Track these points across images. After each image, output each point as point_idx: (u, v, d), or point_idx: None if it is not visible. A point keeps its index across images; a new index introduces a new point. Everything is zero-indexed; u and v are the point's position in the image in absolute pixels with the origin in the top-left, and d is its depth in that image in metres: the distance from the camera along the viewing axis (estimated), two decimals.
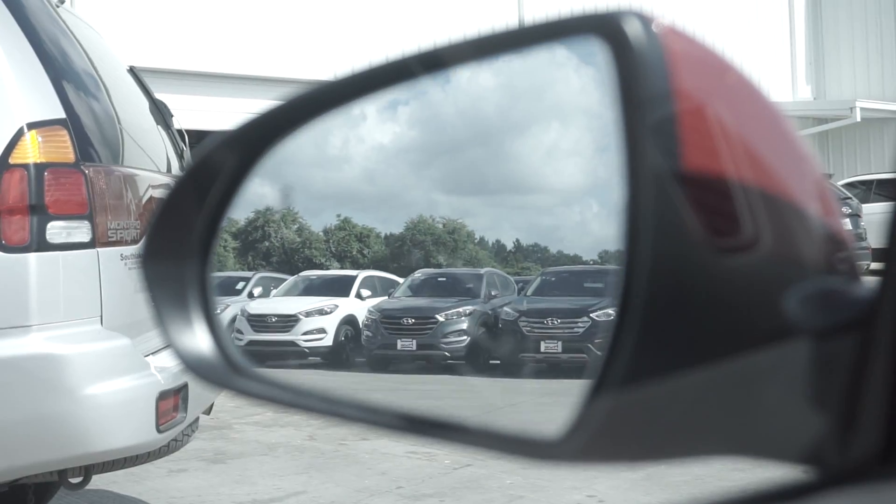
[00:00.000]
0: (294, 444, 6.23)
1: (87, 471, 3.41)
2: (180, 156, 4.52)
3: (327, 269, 0.85)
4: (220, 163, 0.83)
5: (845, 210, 14.44)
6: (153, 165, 3.99)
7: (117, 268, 3.39)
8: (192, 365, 0.83)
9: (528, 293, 0.80)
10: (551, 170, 0.65)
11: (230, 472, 5.61)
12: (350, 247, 0.80)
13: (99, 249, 3.31)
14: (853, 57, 23.70)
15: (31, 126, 3.19)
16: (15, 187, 3.15)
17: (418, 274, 0.78)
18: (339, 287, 0.87)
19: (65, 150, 3.22)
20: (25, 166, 3.16)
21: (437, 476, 5.41)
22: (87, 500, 4.92)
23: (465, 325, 0.77)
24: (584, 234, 0.66)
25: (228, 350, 0.85)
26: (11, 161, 3.15)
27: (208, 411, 4.27)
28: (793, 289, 0.62)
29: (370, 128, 0.74)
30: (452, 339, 0.78)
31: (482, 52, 0.69)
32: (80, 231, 3.24)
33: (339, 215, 0.80)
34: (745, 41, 19.95)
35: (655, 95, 0.59)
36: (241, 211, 0.85)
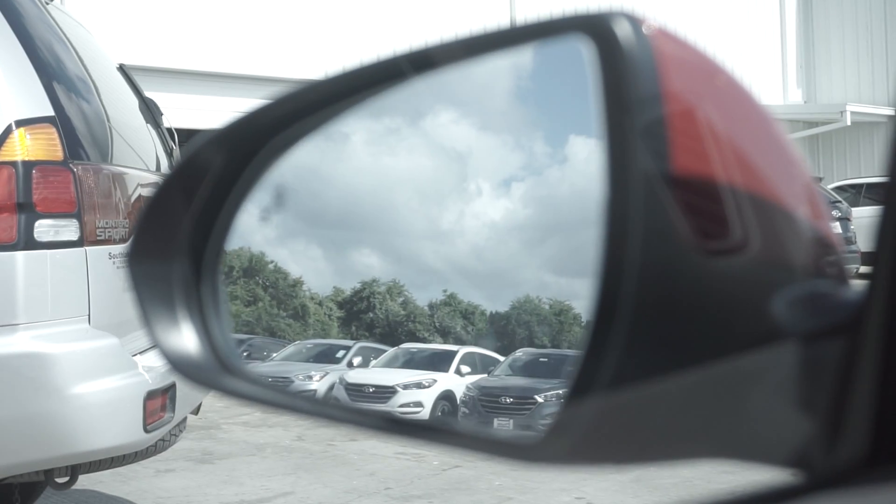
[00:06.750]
0: (282, 445, 6.22)
1: (74, 470, 3.39)
2: (170, 154, 4.50)
3: (429, 343, 0.86)
4: (207, 162, 0.82)
5: (835, 214, 14.50)
6: (142, 164, 3.98)
7: (105, 267, 3.37)
8: (178, 365, 0.83)
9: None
10: None
11: (218, 473, 5.59)
12: (454, 322, 0.80)
13: (87, 248, 3.29)
14: (844, 61, 23.79)
15: (20, 123, 3.17)
16: (2, 185, 3.13)
17: (520, 353, 0.77)
18: (440, 362, 0.86)
19: (53, 147, 3.21)
20: (13, 164, 3.14)
21: (425, 477, 5.40)
22: (73, 500, 4.90)
23: None
24: None
25: (216, 350, 0.85)
26: None
27: (196, 411, 4.26)
28: (781, 292, 0.62)
29: (484, 203, 0.74)
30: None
31: (472, 52, 0.69)
32: (69, 229, 3.23)
33: (445, 290, 0.80)
34: (737, 44, 20.01)
35: (645, 97, 0.59)
36: (348, 280, 0.86)
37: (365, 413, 0.87)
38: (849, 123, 21.47)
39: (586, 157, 0.68)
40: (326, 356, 0.93)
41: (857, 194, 17.31)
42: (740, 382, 0.62)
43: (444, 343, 0.83)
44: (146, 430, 3.33)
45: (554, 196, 0.72)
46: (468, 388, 0.81)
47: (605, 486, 5.06)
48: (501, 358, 0.78)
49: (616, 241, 0.59)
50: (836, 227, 0.72)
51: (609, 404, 0.59)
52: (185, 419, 4.00)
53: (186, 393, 3.68)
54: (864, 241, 14.03)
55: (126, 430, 3.28)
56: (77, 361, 3.18)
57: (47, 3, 3.71)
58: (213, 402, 6.28)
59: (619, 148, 0.59)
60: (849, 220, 14.93)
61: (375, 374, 0.91)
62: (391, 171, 0.85)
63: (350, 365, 0.92)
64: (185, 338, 0.83)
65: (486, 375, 0.80)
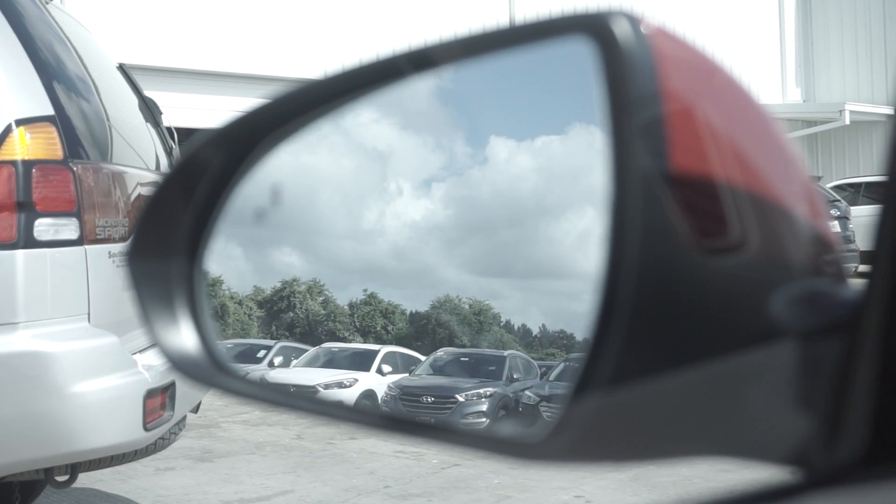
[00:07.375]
0: (282, 443, 6.22)
1: (74, 469, 3.40)
2: (169, 153, 4.51)
3: (350, 342, 0.86)
4: (206, 161, 0.82)
5: (834, 213, 14.50)
6: (142, 163, 3.98)
7: (105, 265, 3.37)
8: (178, 363, 0.83)
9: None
10: (583, 255, 0.64)
11: (217, 471, 5.60)
12: (374, 322, 0.81)
13: (87, 247, 3.30)
14: (842, 60, 23.80)
15: (20, 123, 3.18)
16: (2, 184, 3.13)
17: (441, 353, 0.78)
18: (361, 361, 0.87)
19: (53, 146, 3.21)
20: (13, 163, 3.15)
21: (424, 475, 5.41)
22: (73, 499, 4.90)
23: (484, 407, 0.77)
24: None
25: (215, 349, 0.85)
26: None
27: (196, 410, 4.26)
28: (779, 290, 0.62)
29: (405, 203, 0.74)
30: (471, 419, 0.78)
31: (471, 51, 0.69)
32: (68, 228, 3.23)
33: (365, 290, 0.80)
34: (736, 44, 20.01)
35: (643, 96, 0.59)
36: (268, 279, 0.86)
37: (365, 412, 0.87)
38: (847, 122, 21.47)
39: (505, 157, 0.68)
40: (247, 356, 0.93)
41: (856, 193, 17.32)
42: (739, 381, 0.62)
43: (365, 342, 0.83)
44: (146, 429, 3.33)
45: (475, 196, 0.72)
46: (389, 388, 0.82)
47: (603, 485, 5.06)
48: (423, 357, 0.78)
49: (615, 239, 0.59)
50: (835, 226, 0.72)
51: (609, 402, 0.59)
52: (184, 417, 4.00)
53: (186, 391, 3.68)
54: (862, 239, 14.02)
55: (126, 428, 3.28)
56: (77, 360, 3.18)
57: (47, 3, 3.71)
58: (212, 401, 6.28)
59: (618, 146, 0.59)
60: (847, 218, 14.93)
61: (296, 374, 0.91)
62: (313, 169, 0.85)
63: (271, 365, 0.91)
64: (185, 336, 0.83)
65: (407, 375, 0.80)
